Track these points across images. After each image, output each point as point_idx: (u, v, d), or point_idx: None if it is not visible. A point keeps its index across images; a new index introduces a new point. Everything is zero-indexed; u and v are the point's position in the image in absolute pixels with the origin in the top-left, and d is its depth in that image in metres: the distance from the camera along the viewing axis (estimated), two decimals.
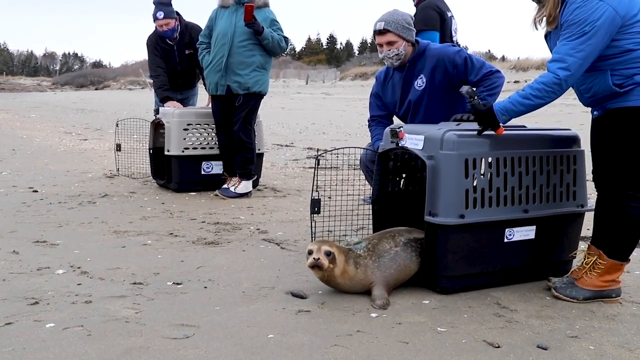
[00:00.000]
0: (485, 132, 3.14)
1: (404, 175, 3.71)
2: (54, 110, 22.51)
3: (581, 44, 2.84)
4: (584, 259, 3.18)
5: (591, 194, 3.35)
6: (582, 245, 3.50)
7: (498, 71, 3.92)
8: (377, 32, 3.95)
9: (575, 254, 3.42)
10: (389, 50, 3.93)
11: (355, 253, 3.13)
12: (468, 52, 3.97)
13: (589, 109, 3.17)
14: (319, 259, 2.99)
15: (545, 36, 3.14)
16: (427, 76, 3.96)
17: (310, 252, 3.03)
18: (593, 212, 3.18)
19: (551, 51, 3.06)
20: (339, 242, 3.64)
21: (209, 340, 2.56)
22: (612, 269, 3.08)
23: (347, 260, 3.08)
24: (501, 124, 3.08)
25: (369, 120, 4.37)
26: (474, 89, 3.32)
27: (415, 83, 4.01)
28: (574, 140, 3.43)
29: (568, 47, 2.87)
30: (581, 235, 3.55)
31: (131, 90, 52.60)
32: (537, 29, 3.13)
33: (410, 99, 4.04)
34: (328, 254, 3.01)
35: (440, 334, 2.68)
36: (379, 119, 4.26)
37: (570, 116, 14.49)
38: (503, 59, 54.29)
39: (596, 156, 3.11)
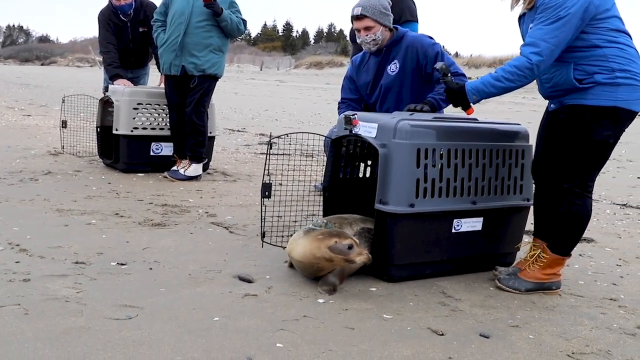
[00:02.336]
0: (438, 123, 3.18)
1: (357, 163, 3.71)
2: None
3: (555, 30, 2.85)
4: (529, 251, 3.26)
5: None
6: (527, 238, 3.59)
7: (464, 75, 3.94)
8: (355, 18, 3.94)
9: (520, 246, 3.50)
10: (367, 35, 3.93)
11: None
12: (442, 49, 3.99)
13: (537, 109, 3.24)
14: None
15: (519, 17, 3.14)
16: (400, 62, 3.98)
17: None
18: None
19: (522, 34, 3.07)
20: (294, 227, 3.63)
21: (152, 321, 2.51)
22: (554, 263, 3.17)
23: None
24: (471, 104, 3.12)
25: (339, 103, 4.35)
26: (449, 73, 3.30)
27: (389, 68, 4.01)
28: (523, 135, 3.49)
29: (542, 32, 2.88)
30: (525, 229, 3.64)
31: (79, 68, 51.11)
32: (512, 9, 3.12)
33: (382, 83, 4.04)
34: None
35: (386, 320, 2.70)
36: (349, 102, 4.25)
37: (518, 114, 14.82)
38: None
39: (545, 150, 3.17)
